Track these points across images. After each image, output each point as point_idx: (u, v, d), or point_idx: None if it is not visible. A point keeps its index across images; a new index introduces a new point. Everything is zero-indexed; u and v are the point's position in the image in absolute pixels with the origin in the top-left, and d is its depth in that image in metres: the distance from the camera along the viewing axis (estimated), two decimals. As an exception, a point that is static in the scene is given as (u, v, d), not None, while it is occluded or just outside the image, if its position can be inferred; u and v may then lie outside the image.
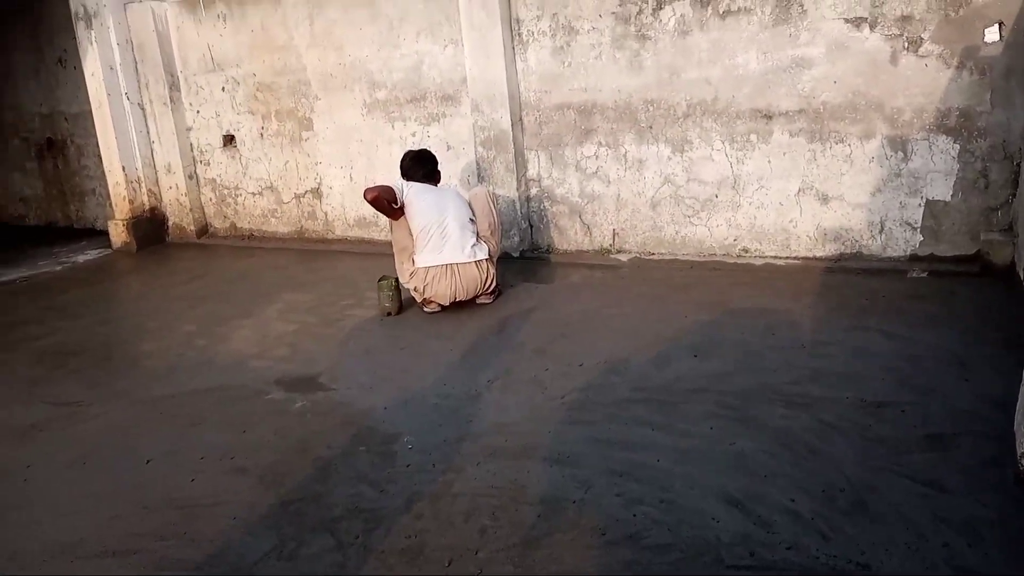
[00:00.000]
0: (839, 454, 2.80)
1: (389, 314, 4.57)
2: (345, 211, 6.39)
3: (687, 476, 2.75)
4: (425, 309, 4.59)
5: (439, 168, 4.76)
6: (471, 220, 4.56)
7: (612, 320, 4.28)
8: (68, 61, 7.43)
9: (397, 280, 4.60)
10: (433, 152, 4.79)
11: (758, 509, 2.53)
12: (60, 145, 7.94)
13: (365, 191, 4.42)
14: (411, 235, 4.51)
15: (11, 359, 4.48)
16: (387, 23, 5.74)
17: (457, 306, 4.58)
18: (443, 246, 4.46)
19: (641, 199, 5.25)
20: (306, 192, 6.55)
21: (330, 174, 6.37)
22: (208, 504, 2.83)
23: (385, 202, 4.45)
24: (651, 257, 5.28)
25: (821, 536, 2.38)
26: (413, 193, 4.51)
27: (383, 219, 6.09)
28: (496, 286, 4.66)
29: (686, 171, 5.07)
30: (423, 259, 4.48)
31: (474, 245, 4.51)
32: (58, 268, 6.56)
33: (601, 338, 4.02)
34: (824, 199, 4.75)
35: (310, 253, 6.26)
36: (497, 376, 3.69)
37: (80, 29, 6.58)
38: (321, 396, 3.65)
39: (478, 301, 4.63)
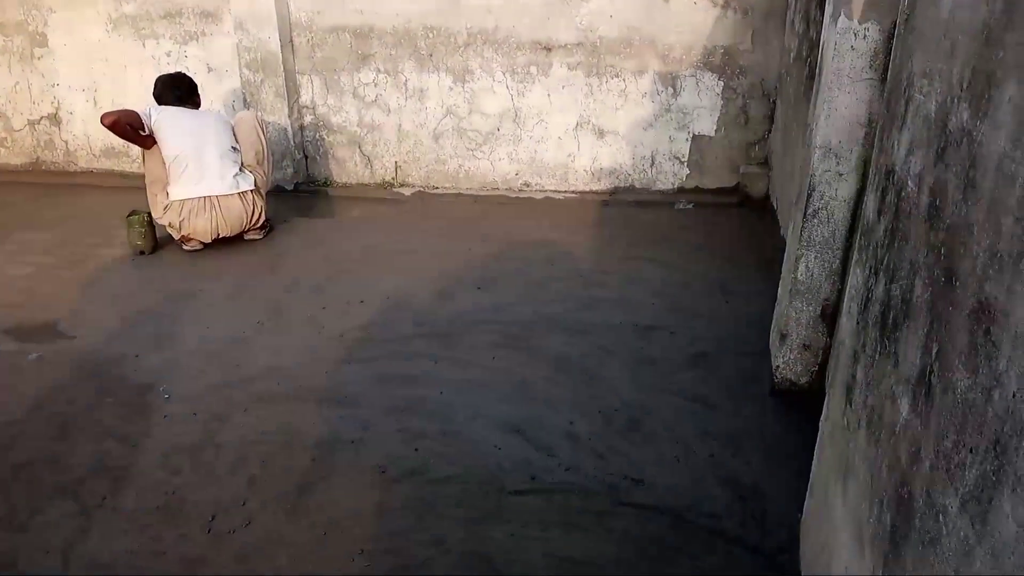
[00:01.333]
0: (615, 377, 2.86)
1: (142, 253, 4.10)
2: (90, 140, 5.65)
3: (470, 407, 2.69)
4: (184, 247, 4.15)
5: (198, 93, 4.29)
6: (233, 148, 4.16)
7: (395, 256, 4.11)
8: None
9: (150, 215, 4.12)
10: (190, 76, 4.32)
11: (539, 435, 2.53)
12: None
13: (103, 116, 3.87)
14: (164, 165, 4.04)
15: None
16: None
17: (222, 243, 4.20)
18: (201, 176, 4.04)
19: (424, 130, 5.08)
20: (41, 118, 5.70)
21: (70, 98, 5.58)
22: (-89, 477, 2.38)
23: (128, 128, 3.93)
24: (435, 191, 5.15)
25: (598, 456, 2.42)
26: (164, 118, 4.02)
27: (136, 149, 5.47)
28: (266, 221, 4.32)
29: (468, 103, 4.96)
30: (177, 191, 4.04)
31: (237, 175, 4.13)
32: None
33: (383, 274, 3.86)
34: (600, 133, 4.85)
35: (49, 187, 5.48)
36: (269, 317, 3.42)
37: None
38: (61, 345, 3.19)
39: (246, 237, 4.27)
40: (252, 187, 4.17)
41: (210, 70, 5.17)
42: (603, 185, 4.95)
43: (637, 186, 4.92)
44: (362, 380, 2.88)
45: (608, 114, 4.79)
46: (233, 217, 4.11)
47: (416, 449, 2.47)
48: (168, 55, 5.24)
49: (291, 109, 5.06)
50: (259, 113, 4.68)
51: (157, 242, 4.17)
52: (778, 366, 2.67)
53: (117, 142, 5.47)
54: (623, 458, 2.40)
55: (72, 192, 5.35)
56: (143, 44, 5.29)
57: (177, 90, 4.18)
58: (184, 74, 4.29)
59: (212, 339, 3.21)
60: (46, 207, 5.04)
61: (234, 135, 4.22)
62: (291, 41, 5.01)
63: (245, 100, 5.04)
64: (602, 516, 2.16)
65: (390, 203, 5.00)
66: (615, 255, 4.03)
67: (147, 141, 4.03)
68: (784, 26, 4.43)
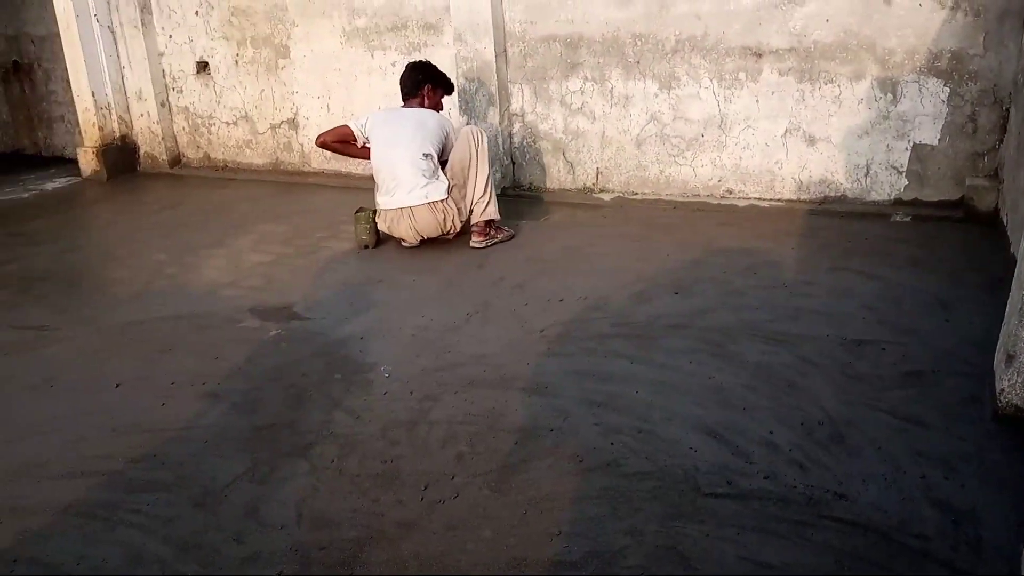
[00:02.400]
0: (818, 389, 2.79)
1: (366, 247, 4.48)
2: (322, 144, 6.22)
3: (665, 408, 2.73)
4: (403, 243, 4.49)
5: (423, 85, 4.42)
6: (425, 155, 4.24)
7: (594, 258, 4.22)
8: (33, -20, 7.11)
9: (374, 212, 4.50)
10: (431, 64, 4.51)
11: (736, 440, 2.52)
12: (26, 69, 7.64)
13: (316, 139, 4.38)
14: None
15: (-25, 284, 4.35)
16: (368, -54, 5.53)
17: (435, 241, 4.49)
18: (395, 188, 4.27)
19: (626, 137, 5.16)
20: (282, 123, 6.37)
21: (307, 104, 6.19)
22: (179, 428, 2.78)
23: (336, 145, 4.38)
24: (635, 197, 5.21)
25: (799, 467, 2.37)
26: (371, 127, 4.34)
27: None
28: (488, 230, 4.41)
29: (672, 109, 4.97)
30: (380, 200, 4.37)
31: (427, 185, 4.24)
32: (25, 195, 6.37)
33: (582, 275, 3.97)
34: (811, 140, 4.69)
35: (286, 185, 6.12)
36: (476, 310, 3.63)
37: (45, -56, 6.27)
38: (296, 325, 3.58)
39: (471, 244, 4.39)
40: (443, 196, 4.25)
41: (429, 79, 5.53)
42: (811, 194, 4.79)
43: (849, 196, 4.71)
44: (561, 373, 3.00)
45: (820, 121, 4.63)
46: (427, 225, 4.31)
47: (612, 443, 2.55)
48: (393, 65, 5.67)
49: (502, 116, 5.31)
50: (477, 126, 4.65)
51: (379, 237, 4.53)
52: (1003, 389, 2.49)
53: (345, 145, 6.00)
54: (825, 471, 2.35)
55: (306, 190, 5.93)
56: (372, 55, 5.76)
57: (403, 83, 4.45)
58: (425, 62, 4.50)
59: (426, 327, 3.47)
60: (283, 203, 5.63)
61: (436, 140, 4.32)
62: (505, 51, 5.26)
63: (460, 107, 5.35)
64: (801, 526, 2.13)
65: (590, 208, 5.11)
66: (822, 266, 3.89)
67: (363, 152, 4.40)
68: (1022, 28, 4.08)
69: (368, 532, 2.21)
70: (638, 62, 4.96)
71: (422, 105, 4.44)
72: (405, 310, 3.68)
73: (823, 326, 3.25)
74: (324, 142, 4.35)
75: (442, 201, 4.26)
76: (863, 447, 2.45)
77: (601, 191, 5.33)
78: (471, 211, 4.38)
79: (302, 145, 6.32)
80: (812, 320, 3.32)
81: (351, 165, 6.10)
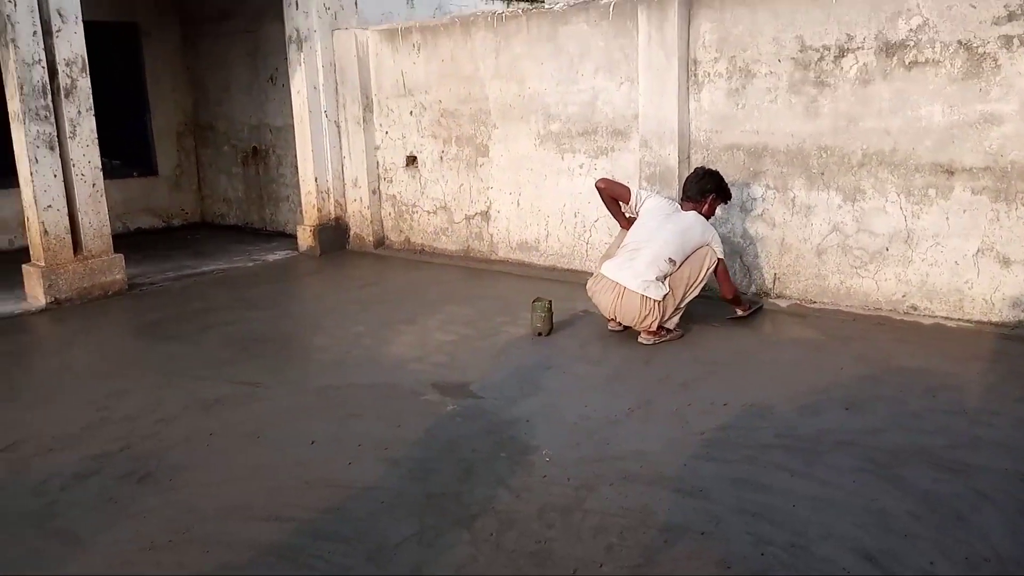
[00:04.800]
0: (989, 524, 2.67)
1: (540, 334, 4.75)
2: (510, 234, 6.68)
3: (822, 525, 2.71)
4: (608, 327, 4.73)
5: (706, 196, 4.65)
6: (668, 260, 4.47)
7: (763, 364, 4.24)
8: (278, 79, 8.23)
9: (550, 303, 4.78)
10: (719, 174, 4.73)
11: (894, 567, 2.47)
12: (263, 154, 8.78)
13: (600, 179, 4.70)
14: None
15: (204, 341, 5.03)
16: (568, 59, 6.00)
17: (603, 334, 4.69)
18: (627, 265, 4.50)
19: (806, 245, 5.16)
20: (476, 214, 6.90)
21: (499, 199, 6.69)
22: (361, 487, 3.09)
23: (610, 199, 4.68)
24: (812, 305, 5.17)
25: (959, 604, 2.29)
26: (646, 209, 4.62)
27: (543, 245, 6.34)
28: (660, 330, 4.56)
29: (856, 221, 4.94)
30: (605, 265, 4.61)
31: (653, 282, 4.43)
32: (250, 264, 7.26)
33: (750, 381, 4.00)
34: (1005, 262, 4.49)
35: (474, 271, 6.59)
36: (639, 405, 3.76)
37: (292, 51, 7.30)
38: (471, 403, 3.87)
39: (639, 340, 4.58)
40: (658, 299, 4.42)
41: (614, 180, 5.85)
42: (1004, 317, 4.55)
43: (1049, 322, 4.44)
44: (717, 478, 3.06)
45: (1016, 242, 4.43)
46: (627, 311, 4.50)
47: (762, 554, 2.57)
48: (581, 167, 6.04)
49: (680, 218, 5.49)
50: (714, 250, 4.64)
51: (553, 327, 4.80)
52: None
53: (531, 237, 6.41)
54: (988, 612, 2.25)
55: (491, 277, 6.36)
56: (562, 157, 6.17)
57: (688, 186, 4.70)
58: (716, 173, 4.73)
59: (589, 416, 3.64)
60: (470, 287, 6.07)
61: (689, 250, 4.52)
62: (688, 157, 5.48)
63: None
64: (954, 665, 2.06)
65: (766, 313, 5.12)
66: (1011, 395, 3.70)
67: (623, 221, 4.71)
68: None
69: (517, 606, 2.38)
70: (822, 173, 5.00)
71: (700, 211, 4.66)
72: (570, 398, 3.87)
73: (1003, 459, 3.10)
74: (602, 188, 4.68)
75: (655, 302, 4.45)
76: (1035, 593, 2.33)
77: (777, 297, 5.33)
78: (663, 321, 4.55)
79: (492, 235, 6.79)
80: (992, 451, 3.17)
81: (534, 256, 6.47)
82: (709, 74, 5.33)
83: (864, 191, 4.88)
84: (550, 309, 4.77)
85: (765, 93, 5.13)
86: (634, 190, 4.72)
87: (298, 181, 7.71)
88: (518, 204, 6.55)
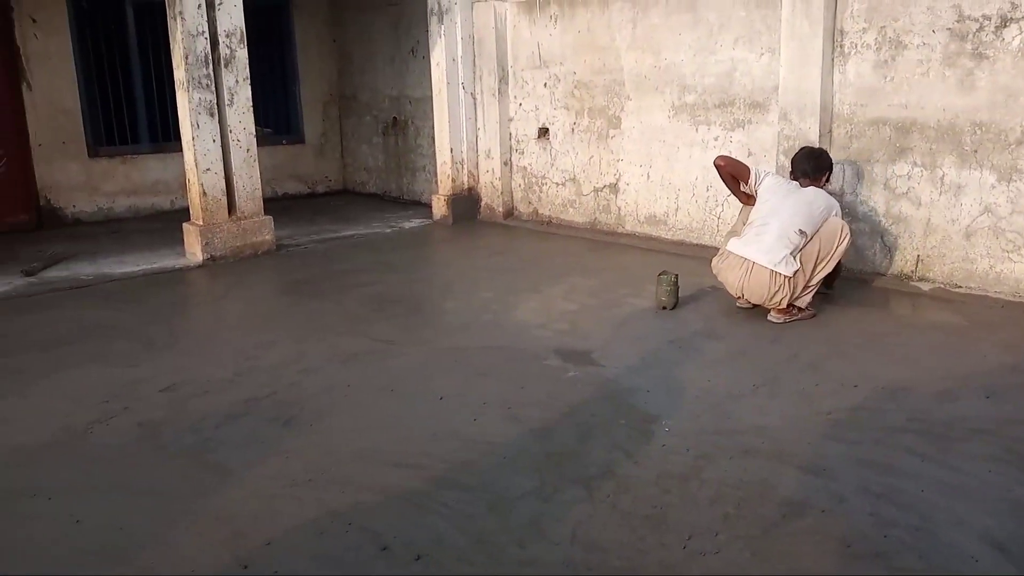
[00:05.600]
0: None
1: (664, 308, 4.75)
2: (638, 207, 6.65)
3: (951, 511, 2.63)
4: (737, 304, 4.69)
5: (821, 175, 4.60)
6: (799, 232, 4.36)
7: (899, 347, 4.08)
8: (418, 51, 8.48)
9: (677, 276, 4.76)
10: (830, 157, 4.68)
11: (1027, 560, 2.37)
12: (402, 125, 9.10)
13: (718, 157, 4.64)
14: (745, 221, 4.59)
15: (344, 300, 5.32)
16: (707, 29, 5.88)
17: (731, 309, 4.63)
18: (754, 241, 4.42)
19: (954, 227, 4.89)
20: (604, 186, 6.91)
21: (629, 171, 6.67)
22: (484, 442, 3.23)
23: (729, 177, 4.60)
24: (957, 290, 4.90)
25: (1099, 603, 2.18)
26: (765, 187, 4.53)
27: (672, 219, 6.30)
28: (791, 309, 4.46)
29: (1011, 202, 4.63)
30: (733, 243, 4.54)
31: (784, 257, 4.33)
32: (387, 231, 7.58)
33: (883, 364, 3.87)
34: None
35: (600, 243, 6.62)
36: (764, 382, 3.72)
37: (432, 23, 7.51)
38: (592, 370, 3.93)
39: (768, 318, 4.50)
40: (788, 274, 4.32)
41: (750, 154, 5.71)
42: None
43: None
44: (842, 458, 3.00)
45: None
46: (755, 286, 4.41)
47: (885, 536, 2.52)
48: (716, 139, 5.94)
49: (818, 195, 5.31)
50: (846, 224, 4.55)
51: (679, 301, 4.78)
52: None
53: (660, 211, 6.37)
54: None
55: (617, 249, 6.38)
56: (696, 129, 6.08)
57: (808, 162, 4.58)
58: (825, 153, 4.68)
59: (710, 391, 3.64)
60: (596, 259, 6.12)
61: (817, 223, 4.41)
62: (830, 131, 5.28)
63: (776, 183, 5.45)
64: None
65: (905, 296, 4.90)
66: None
67: (743, 197, 4.65)
68: None
69: (631, 564, 2.44)
70: (975, 151, 4.71)
71: (817, 187, 4.58)
72: (693, 372, 3.87)
73: None
74: (721, 166, 4.62)
75: (785, 277, 4.34)
76: None
77: (920, 280, 5.09)
78: (794, 299, 4.45)
79: (619, 208, 6.79)
80: None
81: (662, 230, 6.43)
82: (856, 45, 5.10)
83: (1021, 171, 4.56)
84: (676, 283, 4.75)
85: (916, 65, 4.87)
86: (752, 168, 4.60)
87: (434, 152, 7.95)
88: (648, 177, 6.51)
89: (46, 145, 7.87)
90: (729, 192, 4.79)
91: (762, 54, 5.58)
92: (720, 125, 5.93)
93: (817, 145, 5.18)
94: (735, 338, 4.31)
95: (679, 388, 3.69)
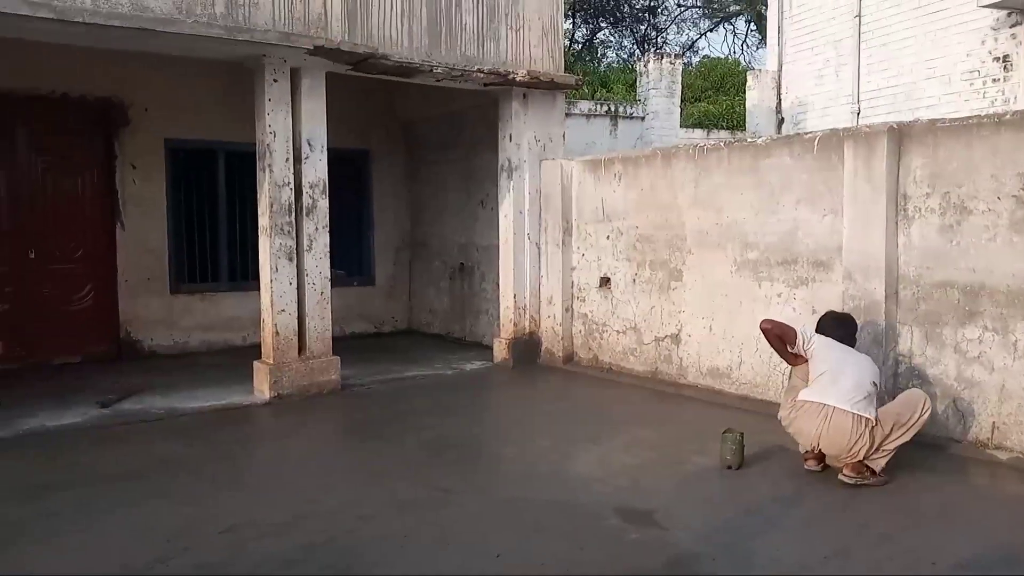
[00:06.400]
0: None
1: (730, 467, 4.64)
2: (700, 360, 6.63)
3: None
4: (805, 466, 4.55)
5: (855, 338, 4.78)
6: (873, 384, 4.41)
7: (978, 521, 3.89)
8: (487, 203, 8.85)
9: (742, 435, 4.67)
10: (856, 322, 4.87)
11: None
12: (468, 270, 9.38)
13: (763, 321, 4.65)
14: (806, 379, 4.52)
15: (405, 443, 5.35)
16: (768, 190, 6.04)
17: (798, 472, 4.50)
18: (831, 388, 4.38)
19: (1031, 394, 4.73)
20: (665, 336, 6.93)
21: (691, 323, 6.69)
22: (541, 605, 3.14)
23: (777, 339, 4.59)
24: (1038, 461, 4.69)
25: None
26: (819, 347, 4.53)
27: (735, 372, 6.25)
28: (863, 468, 4.34)
29: (1092, 371, 4.49)
30: (805, 393, 4.47)
31: (862, 401, 4.32)
32: (449, 372, 7.68)
33: (961, 538, 3.68)
34: None
35: (661, 394, 6.57)
36: (834, 553, 3.56)
37: (502, 178, 7.88)
38: (654, 532, 3.83)
39: (840, 477, 4.36)
40: (870, 417, 4.28)
41: (814, 311, 5.68)
42: None
43: None
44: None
45: None
46: (835, 435, 4.29)
47: None
48: (779, 296, 5.96)
49: (886, 356, 5.23)
50: (929, 402, 4.54)
51: (744, 460, 4.67)
52: None
53: (723, 364, 6.34)
54: None
55: (678, 401, 6.32)
56: (759, 285, 6.13)
57: (841, 329, 4.70)
58: (851, 317, 4.86)
59: (780, 560, 3.49)
60: (657, 410, 6.07)
61: (879, 378, 4.54)
62: (896, 292, 5.26)
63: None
64: None
65: (982, 464, 4.70)
66: None
67: (790, 358, 4.61)
68: None
69: None
70: (1050, 317, 4.62)
71: None
72: (760, 538, 3.73)
73: None
74: (767, 329, 4.64)
75: (867, 423, 4.28)
76: None
77: (996, 448, 4.88)
78: (869, 456, 4.34)
79: (681, 359, 6.78)
80: None
81: (725, 384, 6.37)
82: (920, 209, 5.16)
83: (1102, 339, 4.45)
84: (741, 442, 4.66)
85: (982, 231, 4.88)
86: (798, 329, 4.62)
87: (498, 296, 8.15)
88: (710, 329, 6.52)
89: (132, 281, 8.33)
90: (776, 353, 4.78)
91: (825, 215, 5.68)
92: (783, 282, 5.97)
93: (883, 305, 5.17)
94: (804, 503, 4.17)
95: (746, 556, 3.55)
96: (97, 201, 8.20)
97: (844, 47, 12.58)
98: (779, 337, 4.59)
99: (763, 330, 4.63)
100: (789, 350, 4.58)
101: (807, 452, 4.55)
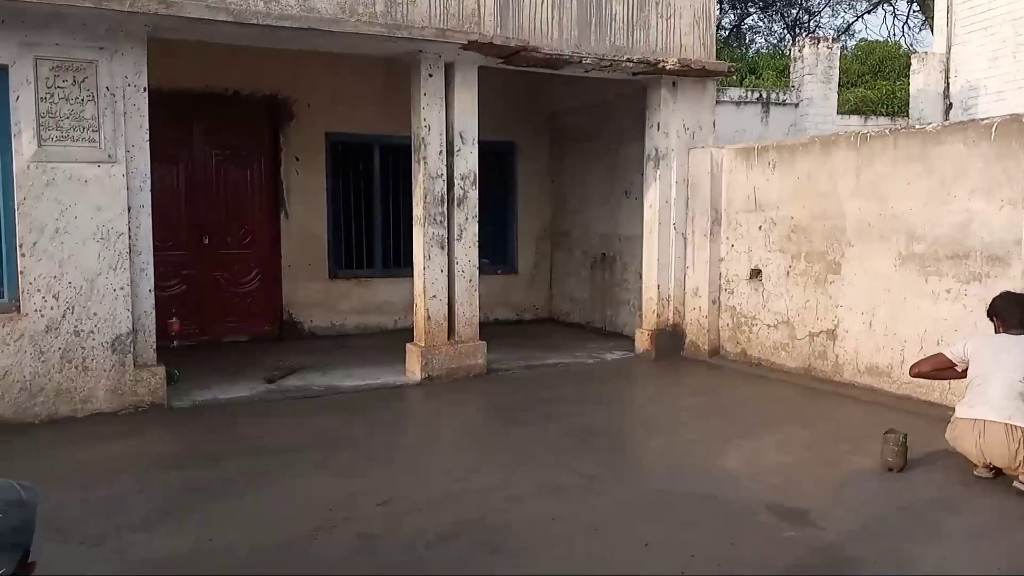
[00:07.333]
0: None
1: (891, 470, 4.41)
2: (858, 356, 6.32)
3: None
4: (975, 472, 4.28)
5: None
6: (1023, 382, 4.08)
7: None
8: (631, 192, 8.78)
9: (905, 436, 4.43)
10: None
11: None
12: (610, 260, 9.35)
13: (912, 367, 4.59)
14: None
15: (549, 429, 5.42)
16: (939, 180, 5.67)
17: (967, 478, 4.22)
18: (980, 402, 4.14)
19: None
20: (820, 332, 6.65)
21: (848, 318, 6.39)
22: (692, 597, 3.12)
23: (936, 374, 4.50)
24: None
25: None
26: (976, 348, 4.31)
27: (897, 371, 5.94)
28: None
29: None
30: (960, 409, 4.27)
31: (1014, 408, 4.01)
32: (590, 361, 7.70)
33: None
34: None
35: (814, 391, 6.32)
36: (1010, 568, 3.32)
37: (648, 168, 7.80)
38: (810, 532, 3.70)
39: (1015, 484, 4.06)
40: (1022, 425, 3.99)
41: (987, 309, 5.31)
42: None
43: None
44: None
45: None
46: (993, 448, 4.05)
47: None
48: (947, 292, 5.60)
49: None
50: None
51: (907, 463, 4.43)
52: None
53: (883, 362, 6.04)
54: None
55: (834, 399, 6.06)
56: (925, 280, 5.78)
57: (1019, 309, 4.35)
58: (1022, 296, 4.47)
59: (947, 571, 3.29)
60: (810, 408, 5.84)
61: None
62: (1084, 290, 4.82)
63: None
64: None
65: None
66: None
67: (962, 375, 4.40)
68: None
69: None
70: None
71: None
72: (925, 546, 3.53)
73: None
74: (920, 372, 4.59)
75: (1022, 429, 4.00)
76: None
77: None
78: None
79: (837, 355, 6.49)
80: None
81: (885, 383, 6.05)
82: (1117, 199, 4.70)
83: None
84: (905, 443, 4.42)
85: None
86: (947, 351, 4.44)
87: (640, 287, 8.08)
88: (870, 325, 6.20)
89: (294, 266, 8.86)
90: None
91: (1002, 206, 5.27)
92: (953, 277, 5.59)
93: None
94: (974, 511, 3.91)
95: (910, 564, 3.38)
96: (264, 191, 8.76)
97: (1023, 26, 11.57)
98: (937, 370, 4.50)
99: (917, 376, 4.60)
100: (958, 371, 4.36)
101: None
